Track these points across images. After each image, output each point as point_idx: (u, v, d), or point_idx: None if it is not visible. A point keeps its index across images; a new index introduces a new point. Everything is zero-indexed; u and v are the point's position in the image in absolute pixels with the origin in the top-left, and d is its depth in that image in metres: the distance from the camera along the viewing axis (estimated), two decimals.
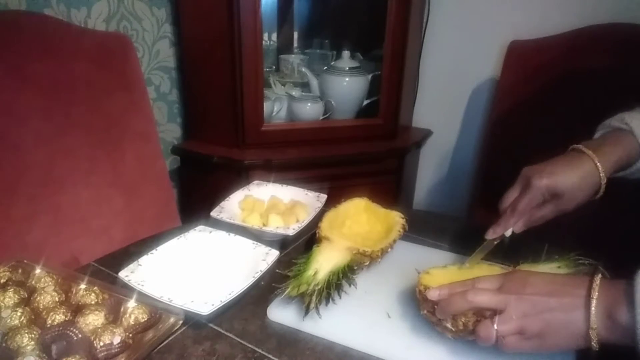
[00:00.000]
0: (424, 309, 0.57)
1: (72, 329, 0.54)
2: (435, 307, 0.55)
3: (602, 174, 0.64)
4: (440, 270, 0.61)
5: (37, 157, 0.90)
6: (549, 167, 0.65)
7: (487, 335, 0.51)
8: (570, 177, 0.64)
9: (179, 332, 0.60)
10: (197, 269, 0.69)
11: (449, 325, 0.54)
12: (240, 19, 1.19)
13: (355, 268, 0.66)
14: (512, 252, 0.66)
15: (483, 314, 0.52)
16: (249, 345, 0.59)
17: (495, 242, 0.67)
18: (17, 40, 0.90)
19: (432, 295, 0.55)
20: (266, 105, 1.34)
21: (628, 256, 0.50)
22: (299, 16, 1.71)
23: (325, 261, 0.63)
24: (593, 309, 0.48)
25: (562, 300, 0.50)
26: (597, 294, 0.48)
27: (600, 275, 0.50)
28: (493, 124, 1.32)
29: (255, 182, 0.91)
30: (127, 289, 0.62)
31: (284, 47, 1.68)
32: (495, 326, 0.50)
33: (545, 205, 0.66)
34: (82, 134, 0.98)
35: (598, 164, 0.64)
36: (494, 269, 0.62)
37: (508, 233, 0.67)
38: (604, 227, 0.98)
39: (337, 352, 0.58)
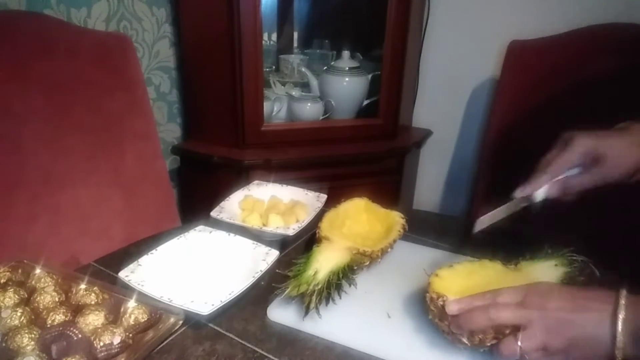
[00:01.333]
0: (435, 317, 0.56)
1: (72, 329, 0.54)
2: (450, 317, 0.53)
3: None
4: (448, 271, 0.59)
5: (37, 157, 0.90)
6: (593, 132, 0.60)
7: (511, 352, 0.50)
8: (616, 142, 0.59)
9: (179, 332, 0.60)
10: (197, 269, 0.69)
11: (464, 339, 0.53)
12: (240, 19, 1.19)
13: (355, 268, 0.66)
14: (512, 250, 0.66)
15: (502, 331, 0.51)
16: (249, 345, 0.59)
17: (522, 205, 0.62)
18: (17, 40, 0.90)
19: (452, 309, 0.53)
20: (266, 105, 1.34)
21: (627, 255, 0.49)
22: (299, 16, 1.71)
23: (325, 261, 0.63)
24: (620, 327, 0.47)
25: (587, 316, 0.49)
26: (623, 312, 0.47)
27: (625, 291, 0.49)
28: (493, 123, 1.32)
29: (255, 182, 0.91)
30: (127, 289, 0.62)
31: (284, 47, 1.68)
32: (519, 343, 0.49)
33: (585, 173, 0.61)
34: (82, 134, 0.98)
35: None
36: (497, 267, 0.61)
37: (539, 197, 0.62)
38: (607, 228, 0.98)
39: (337, 352, 0.58)
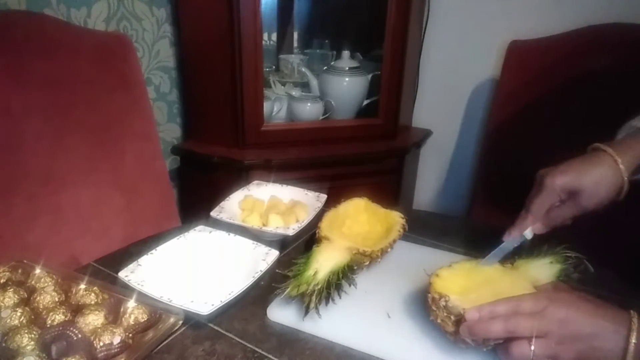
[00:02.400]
0: (437, 317, 0.56)
1: (72, 329, 0.54)
2: (457, 319, 0.53)
3: (623, 172, 0.62)
4: (448, 271, 0.60)
5: (37, 157, 0.90)
6: (563, 167, 0.64)
7: (523, 355, 0.50)
8: (587, 175, 0.62)
9: (179, 332, 0.60)
10: (197, 269, 0.69)
11: (468, 340, 0.53)
12: (240, 19, 1.19)
13: (355, 268, 0.66)
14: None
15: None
16: (249, 345, 0.59)
17: (515, 245, 0.65)
18: (17, 40, 0.90)
19: (472, 316, 0.52)
20: (266, 105, 1.34)
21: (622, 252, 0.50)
22: (299, 16, 1.71)
23: (325, 261, 0.63)
24: (631, 349, 0.48)
25: (602, 335, 0.50)
26: (634, 340, 0.48)
27: (636, 314, 0.50)
28: (493, 123, 1.32)
29: (255, 182, 0.91)
30: (127, 289, 0.62)
31: (284, 47, 1.68)
32: (532, 347, 0.50)
33: (563, 205, 0.65)
34: (82, 134, 0.98)
35: (618, 159, 0.62)
36: (495, 267, 0.61)
37: (529, 236, 0.65)
38: (606, 227, 0.98)
39: (337, 352, 0.58)
